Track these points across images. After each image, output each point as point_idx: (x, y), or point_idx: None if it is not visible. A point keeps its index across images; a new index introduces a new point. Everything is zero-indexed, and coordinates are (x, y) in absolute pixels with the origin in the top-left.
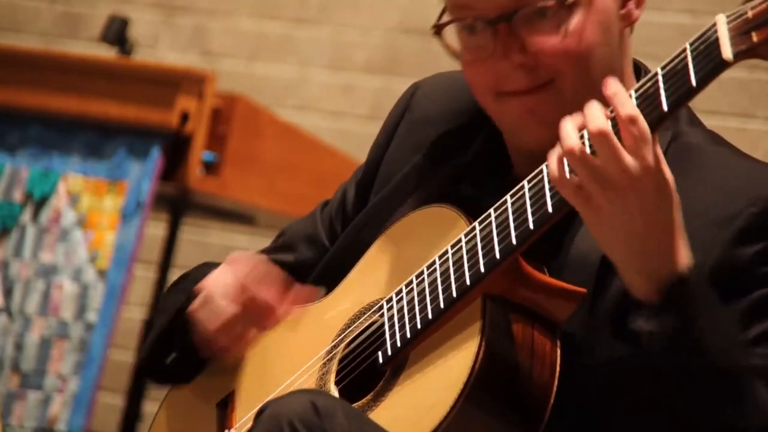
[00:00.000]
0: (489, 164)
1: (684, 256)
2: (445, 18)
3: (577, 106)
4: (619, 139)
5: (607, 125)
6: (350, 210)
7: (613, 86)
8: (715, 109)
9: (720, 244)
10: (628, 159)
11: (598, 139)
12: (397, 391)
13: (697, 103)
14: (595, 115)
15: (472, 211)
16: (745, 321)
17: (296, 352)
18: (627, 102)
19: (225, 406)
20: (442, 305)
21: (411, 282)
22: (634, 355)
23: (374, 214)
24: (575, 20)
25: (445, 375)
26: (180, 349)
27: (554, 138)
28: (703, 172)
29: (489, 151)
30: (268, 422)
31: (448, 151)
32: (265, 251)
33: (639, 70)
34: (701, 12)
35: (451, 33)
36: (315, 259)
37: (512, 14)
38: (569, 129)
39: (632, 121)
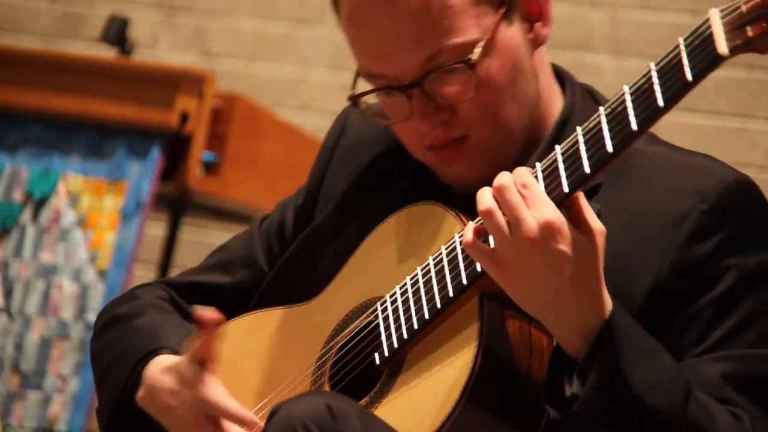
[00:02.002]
0: (428, 184)
1: (607, 305)
2: (359, 86)
3: (499, 148)
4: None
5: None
6: (289, 234)
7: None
8: (715, 109)
9: (674, 246)
10: (526, 219)
11: (500, 197)
12: (396, 392)
13: (698, 103)
14: (501, 179)
15: None
16: (706, 324)
17: (288, 356)
18: (522, 172)
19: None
20: (438, 305)
21: (405, 283)
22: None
23: (316, 238)
24: (483, 69)
25: (445, 375)
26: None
27: (482, 175)
28: (646, 175)
29: (426, 173)
30: (282, 424)
31: (385, 173)
32: (200, 268)
33: (559, 74)
34: (701, 12)
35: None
36: (250, 283)
37: (423, 79)
38: (485, 193)
39: (525, 186)
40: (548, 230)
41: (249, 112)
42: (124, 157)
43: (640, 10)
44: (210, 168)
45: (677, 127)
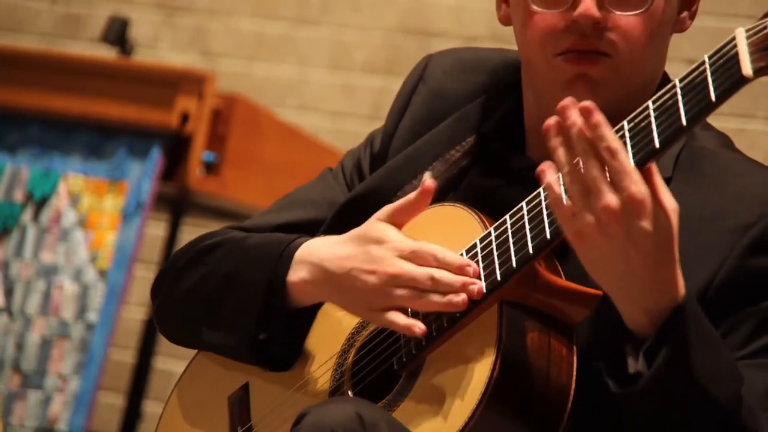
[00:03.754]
0: (503, 142)
1: (681, 288)
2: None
3: (627, 86)
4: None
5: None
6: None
7: (596, 116)
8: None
9: (736, 252)
10: (608, 192)
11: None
12: (414, 396)
13: None
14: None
15: (484, 202)
16: (751, 331)
17: (309, 349)
18: (608, 134)
19: (238, 400)
20: (457, 313)
21: None
22: (627, 395)
23: (383, 182)
24: (657, 6)
25: (463, 382)
26: (275, 325)
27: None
28: (718, 179)
29: (504, 129)
30: (311, 430)
31: (464, 128)
32: (269, 212)
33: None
34: (702, 13)
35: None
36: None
37: None
38: (561, 155)
39: (612, 154)
40: (633, 205)
41: (249, 112)
42: (124, 157)
43: None
44: (210, 168)
45: None
